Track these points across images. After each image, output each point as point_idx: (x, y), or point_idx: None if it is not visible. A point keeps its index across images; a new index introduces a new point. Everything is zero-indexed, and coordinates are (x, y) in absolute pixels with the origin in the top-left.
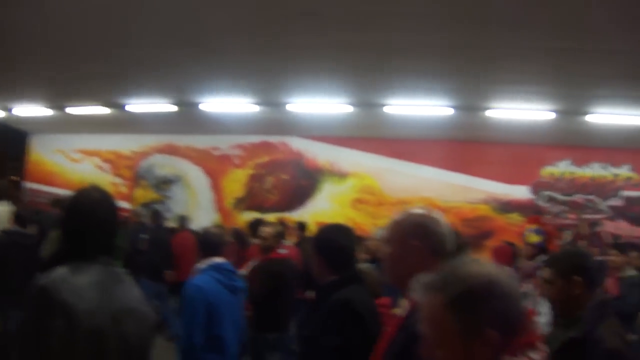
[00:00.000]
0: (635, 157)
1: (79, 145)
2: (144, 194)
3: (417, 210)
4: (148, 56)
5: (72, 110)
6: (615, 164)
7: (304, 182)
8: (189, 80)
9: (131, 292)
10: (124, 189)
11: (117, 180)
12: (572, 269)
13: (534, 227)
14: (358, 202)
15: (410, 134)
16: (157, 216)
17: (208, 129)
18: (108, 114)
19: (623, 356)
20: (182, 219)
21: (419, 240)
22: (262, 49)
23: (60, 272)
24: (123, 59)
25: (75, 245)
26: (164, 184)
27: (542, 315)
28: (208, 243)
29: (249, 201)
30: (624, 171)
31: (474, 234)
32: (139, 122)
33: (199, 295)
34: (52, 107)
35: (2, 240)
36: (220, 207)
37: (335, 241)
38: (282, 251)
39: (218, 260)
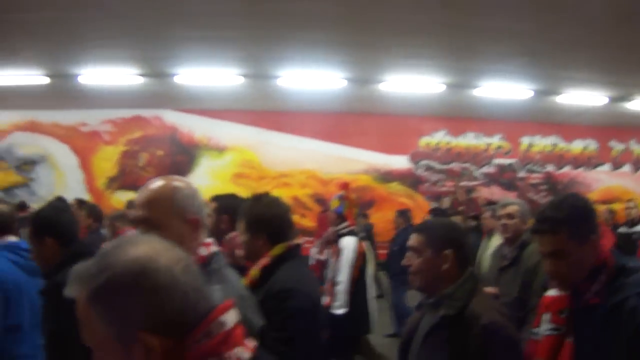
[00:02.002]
0: (506, 127)
1: None
2: (4, 177)
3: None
4: (17, 20)
5: None
6: (489, 134)
7: (180, 157)
8: (64, 48)
9: None
10: None
11: None
12: (446, 241)
13: (340, 192)
14: (238, 177)
15: (290, 106)
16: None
17: (75, 104)
18: None
19: (503, 329)
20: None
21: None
22: (147, 14)
23: None
24: None
25: None
26: (26, 164)
27: (341, 284)
28: None
29: (122, 180)
30: (496, 140)
31: (357, 203)
32: None
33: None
34: None
35: None
36: (91, 188)
37: (62, 218)
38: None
39: (12, 239)
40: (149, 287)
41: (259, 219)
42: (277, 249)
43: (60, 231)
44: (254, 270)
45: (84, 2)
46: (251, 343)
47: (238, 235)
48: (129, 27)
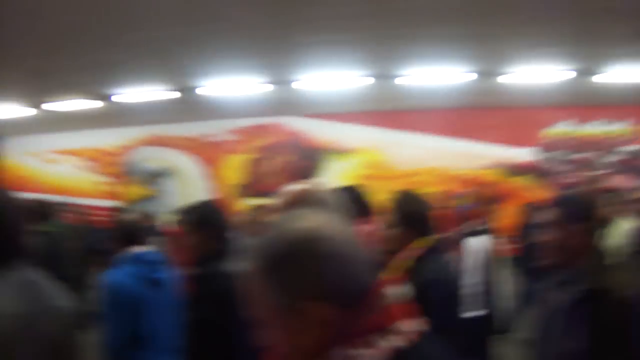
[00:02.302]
0: (634, 112)
1: (54, 145)
2: (132, 191)
3: (298, 186)
4: (138, 40)
5: (51, 106)
6: (616, 120)
7: (306, 162)
8: (185, 63)
9: (47, 292)
10: (109, 188)
11: (103, 178)
12: (583, 215)
13: (467, 189)
14: (365, 179)
15: (413, 104)
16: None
17: (199, 116)
18: (89, 109)
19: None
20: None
21: None
22: (267, 22)
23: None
24: (109, 45)
25: None
26: (154, 178)
27: (473, 286)
28: (124, 232)
29: (251, 188)
30: (623, 127)
31: (485, 199)
32: (124, 114)
33: (113, 293)
34: (28, 105)
35: None
36: (219, 197)
37: (218, 215)
38: None
39: (139, 249)
40: (317, 256)
41: (412, 214)
42: (427, 241)
43: (213, 226)
44: (408, 261)
45: (209, 16)
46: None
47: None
48: (252, 37)
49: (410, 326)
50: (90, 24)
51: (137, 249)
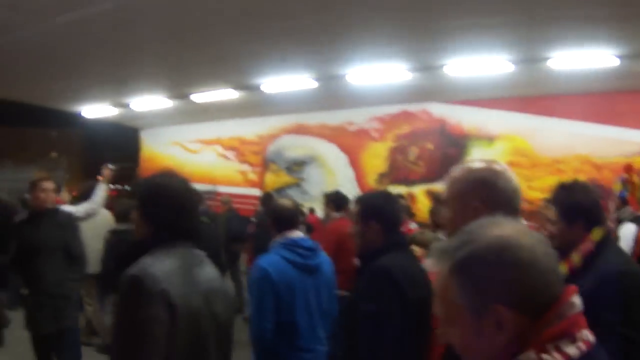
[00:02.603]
0: None
1: (197, 135)
2: (275, 179)
3: (478, 164)
4: (283, 29)
5: (196, 97)
6: None
7: (450, 150)
8: (330, 51)
9: (212, 273)
10: (252, 176)
11: (245, 167)
12: None
13: (623, 175)
14: (510, 166)
15: (560, 89)
16: (268, 200)
17: (342, 104)
18: (233, 99)
19: None
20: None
21: (480, 200)
22: (413, 6)
23: (148, 260)
24: (255, 35)
25: (159, 232)
26: (296, 166)
27: None
28: (279, 218)
29: (393, 175)
30: None
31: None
32: (268, 104)
33: (265, 277)
34: (173, 97)
35: (109, 240)
36: (361, 184)
37: (387, 207)
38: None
39: (292, 235)
40: (511, 263)
41: (576, 206)
42: (596, 234)
43: (385, 218)
44: (575, 257)
45: (355, 2)
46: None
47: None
48: (398, 22)
49: (586, 335)
50: (235, 15)
51: (291, 235)
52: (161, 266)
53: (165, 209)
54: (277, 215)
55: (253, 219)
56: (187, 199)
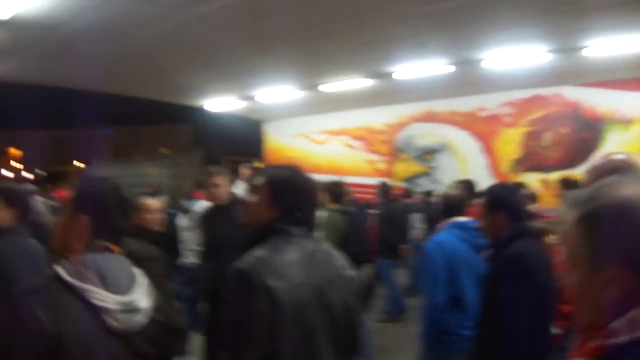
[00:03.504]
0: None
1: (323, 125)
2: (405, 168)
3: (617, 155)
4: (427, 13)
5: (326, 87)
6: None
7: (586, 134)
8: (467, 34)
9: (333, 261)
10: (382, 166)
11: (373, 157)
12: None
13: None
14: None
15: None
16: (386, 190)
17: (473, 90)
18: (360, 88)
19: None
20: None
21: None
22: None
23: (259, 253)
24: (394, 21)
25: (285, 217)
26: (426, 154)
27: None
28: (448, 204)
29: (527, 161)
30: None
31: None
32: (396, 91)
33: (439, 251)
34: (302, 88)
35: None
36: (495, 172)
37: (511, 197)
38: None
39: (461, 219)
40: (633, 223)
41: None
42: None
43: (511, 207)
44: None
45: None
46: None
47: None
48: (540, 3)
49: None
50: (373, 1)
51: (459, 219)
52: (271, 257)
53: (294, 192)
54: (446, 202)
55: (373, 211)
56: (312, 186)
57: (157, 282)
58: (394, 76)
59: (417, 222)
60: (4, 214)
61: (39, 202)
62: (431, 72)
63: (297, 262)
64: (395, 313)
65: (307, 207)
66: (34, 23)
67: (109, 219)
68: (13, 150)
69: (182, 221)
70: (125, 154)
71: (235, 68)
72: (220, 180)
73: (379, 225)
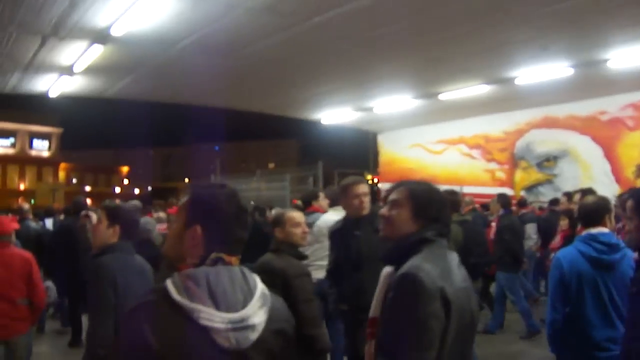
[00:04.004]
0: None
1: (440, 135)
2: (525, 176)
3: None
4: (550, 13)
5: (445, 96)
6: None
7: None
8: (591, 33)
9: (463, 272)
10: (500, 174)
11: (492, 165)
12: None
13: None
14: None
15: None
16: (506, 200)
17: (593, 93)
18: (478, 95)
19: None
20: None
21: None
22: None
23: (420, 261)
24: (515, 24)
25: (426, 229)
26: (547, 161)
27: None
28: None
29: None
30: None
31: None
32: (515, 98)
33: (558, 267)
34: (419, 97)
35: None
36: (618, 178)
37: None
38: None
39: (595, 230)
40: None
41: None
42: None
43: None
44: None
45: None
46: None
47: None
48: None
49: None
50: (491, 5)
51: (594, 230)
52: (432, 264)
53: (435, 205)
54: (581, 211)
55: (493, 223)
56: (445, 200)
57: (304, 299)
58: (515, 82)
59: (532, 233)
60: (109, 231)
61: (149, 219)
62: (551, 75)
63: (449, 270)
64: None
65: (446, 219)
66: (147, 40)
67: (224, 229)
68: (122, 168)
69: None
70: (232, 169)
71: (352, 79)
72: (366, 188)
73: (500, 236)
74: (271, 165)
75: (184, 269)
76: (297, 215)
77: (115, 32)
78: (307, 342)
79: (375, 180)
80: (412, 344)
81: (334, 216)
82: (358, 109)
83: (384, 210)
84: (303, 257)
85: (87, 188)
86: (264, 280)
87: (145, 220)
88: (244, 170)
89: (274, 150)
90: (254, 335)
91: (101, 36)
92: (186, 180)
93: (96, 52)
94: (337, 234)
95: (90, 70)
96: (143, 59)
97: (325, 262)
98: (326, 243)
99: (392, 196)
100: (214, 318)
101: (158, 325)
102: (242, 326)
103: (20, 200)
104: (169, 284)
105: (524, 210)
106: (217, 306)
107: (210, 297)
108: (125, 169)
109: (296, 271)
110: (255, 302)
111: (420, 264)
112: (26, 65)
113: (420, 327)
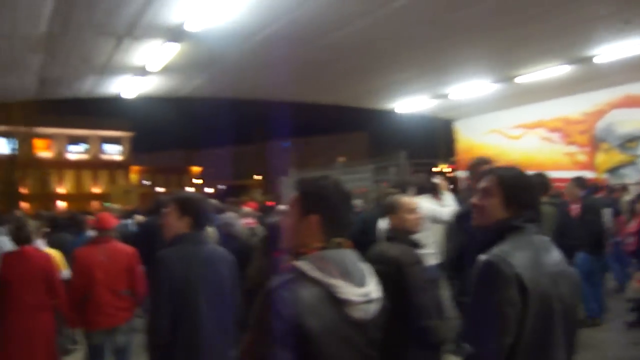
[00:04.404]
0: None
1: (518, 119)
2: (607, 159)
3: None
4: None
5: (523, 78)
6: None
7: None
8: None
9: (557, 256)
10: (581, 157)
11: (572, 148)
12: None
13: None
14: None
15: None
16: (584, 183)
17: None
18: (556, 77)
19: None
20: None
21: None
22: None
23: (503, 248)
24: (588, 0)
25: (517, 216)
26: (629, 142)
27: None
28: None
29: None
30: None
31: None
32: (595, 77)
33: None
34: (497, 81)
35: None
36: None
37: None
38: None
39: None
40: None
41: None
42: None
43: None
44: None
45: None
46: None
47: None
48: None
49: None
50: None
51: None
52: (515, 251)
53: (525, 191)
54: None
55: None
56: (534, 184)
57: (418, 288)
58: (595, 60)
59: (608, 217)
60: (179, 222)
61: (231, 215)
62: (633, 52)
63: (535, 256)
64: (597, 313)
65: (536, 204)
66: (223, 35)
67: (337, 215)
68: (193, 168)
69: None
70: (302, 165)
71: (429, 65)
72: None
73: (583, 217)
74: (341, 159)
75: (305, 254)
76: (411, 201)
77: (190, 28)
78: (422, 334)
79: (451, 169)
80: (488, 329)
81: (427, 204)
82: (434, 96)
83: (475, 199)
84: (417, 244)
85: (159, 189)
86: (378, 271)
87: (227, 215)
88: (312, 165)
89: (343, 145)
90: (375, 308)
91: (176, 33)
92: (257, 177)
93: (171, 50)
94: (463, 219)
95: (165, 70)
96: (218, 54)
97: (431, 250)
98: (431, 230)
99: (482, 184)
100: (349, 292)
101: (300, 300)
102: (368, 299)
103: (94, 203)
104: (302, 264)
105: (598, 195)
106: (349, 281)
107: (342, 273)
108: (196, 169)
109: (410, 259)
110: (371, 279)
111: (502, 251)
112: (101, 68)
113: (496, 313)
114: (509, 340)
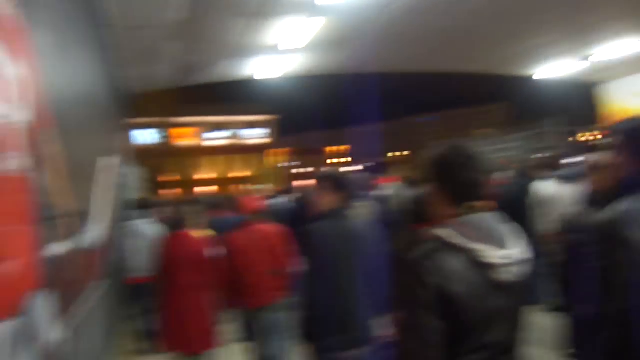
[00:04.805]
0: None
1: None
2: None
3: None
4: None
5: None
6: None
7: None
8: None
9: None
10: None
11: None
12: None
13: None
14: None
15: None
16: None
17: None
18: None
19: None
20: None
21: None
22: None
23: (621, 206)
24: None
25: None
26: None
27: None
28: None
29: None
30: None
31: None
32: None
33: None
34: None
35: None
36: None
37: None
38: None
39: None
40: None
41: None
42: None
43: None
44: None
45: None
46: None
47: None
48: None
49: None
50: None
51: None
52: (631, 211)
53: None
54: None
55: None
56: None
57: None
58: None
59: None
60: (332, 197)
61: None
62: None
63: None
64: None
65: None
66: (355, 6)
67: (466, 181)
68: (333, 148)
69: (549, 189)
70: (439, 139)
71: (572, 25)
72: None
73: None
74: (484, 131)
75: (450, 221)
76: (600, 160)
77: (321, 1)
78: None
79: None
80: (615, 290)
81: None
82: (579, 58)
83: (604, 159)
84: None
85: (303, 170)
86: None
87: (380, 190)
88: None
89: (480, 116)
90: (517, 270)
91: (308, 8)
92: (402, 153)
93: (303, 26)
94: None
95: (305, 48)
96: (353, 29)
97: None
98: None
99: (611, 142)
100: (491, 255)
101: (444, 268)
102: (510, 262)
103: (240, 186)
104: (442, 232)
105: None
106: (492, 244)
107: (483, 238)
108: (342, 148)
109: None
110: (513, 240)
111: (616, 209)
112: (232, 50)
113: (613, 273)
114: (623, 303)
